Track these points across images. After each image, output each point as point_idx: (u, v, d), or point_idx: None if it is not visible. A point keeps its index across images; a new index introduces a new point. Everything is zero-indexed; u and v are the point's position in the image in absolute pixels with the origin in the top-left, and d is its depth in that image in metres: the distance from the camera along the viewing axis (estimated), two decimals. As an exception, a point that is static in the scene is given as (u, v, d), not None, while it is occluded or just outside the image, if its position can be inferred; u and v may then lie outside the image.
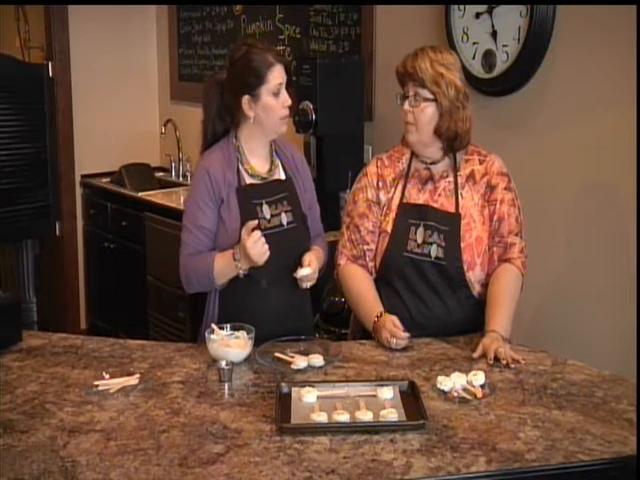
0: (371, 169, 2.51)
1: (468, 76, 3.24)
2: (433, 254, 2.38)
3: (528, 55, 3.02)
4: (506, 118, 3.21)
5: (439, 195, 2.42)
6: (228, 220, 2.39)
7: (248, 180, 2.44)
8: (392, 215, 2.44)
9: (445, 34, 3.30)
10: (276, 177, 2.49)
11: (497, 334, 2.22)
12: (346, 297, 2.52)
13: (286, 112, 2.39)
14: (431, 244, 2.38)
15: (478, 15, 3.18)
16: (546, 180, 3.07)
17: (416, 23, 3.51)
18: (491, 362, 2.15)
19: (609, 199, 2.89)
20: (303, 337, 2.35)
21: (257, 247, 2.25)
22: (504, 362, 2.14)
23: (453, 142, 2.38)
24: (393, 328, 2.26)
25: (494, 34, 3.13)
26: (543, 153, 3.08)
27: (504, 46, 3.10)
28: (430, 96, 2.33)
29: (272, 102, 2.36)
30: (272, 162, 2.50)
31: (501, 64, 3.13)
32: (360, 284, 2.44)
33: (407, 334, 2.26)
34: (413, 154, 2.47)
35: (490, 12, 3.14)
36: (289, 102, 2.39)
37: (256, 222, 2.30)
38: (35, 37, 5.21)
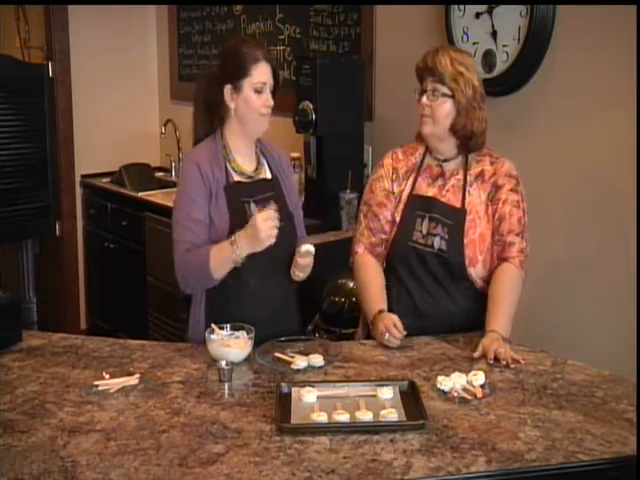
0: (387, 161, 2.55)
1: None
2: (436, 246, 2.41)
3: (528, 55, 3.02)
4: (506, 118, 3.20)
5: (447, 190, 2.45)
6: (217, 218, 2.38)
7: (236, 178, 2.44)
8: (401, 206, 2.47)
9: (445, 34, 3.30)
10: (262, 176, 2.50)
11: (497, 334, 2.23)
12: (356, 285, 2.57)
13: (266, 111, 2.40)
14: (435, 236, 2.41)
15: (478, 15, 3.18)
16: (546, 180, 3.07)
17: (416, 23, 3.50)
18: (491, 362, 2.15)
19: (609, 199, 2.89)
20: (303, 337, 2.35)
21: (267, 224, 2.22)
22: (504, 362, 2.14)
23: (469, 141, 2.41)
24: (390, 325, 2.27)
25: (494, 34, 3.13)
26: (543, 153, 3.08)
27: (504, 46, 3.10)
28: (448, 92, 2.36)
29: (253, 97, 2.38)
30: (258, 161, 2.50)
31: (501, 64, 3.13)
32: (371, 277, 2.47)
33: (402, 334, 2.27)
34: (427, 151, 2.50)
35: (490, 12, 3.14)
36: (271, 103, 2.40)
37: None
38: (35, 37, 5.21)
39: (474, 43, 3.22)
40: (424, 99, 2.40)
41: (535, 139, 3.10)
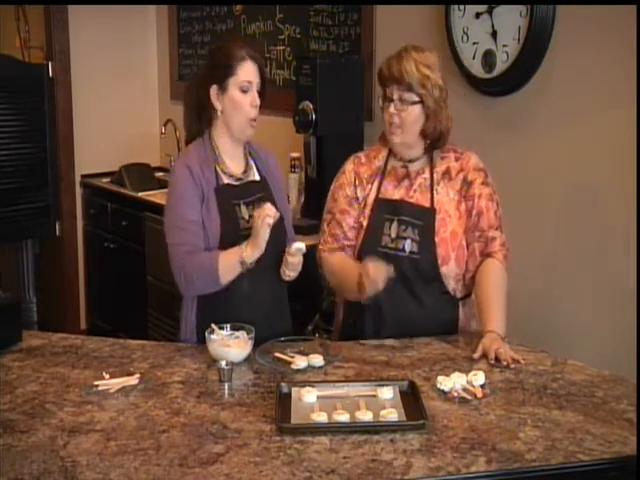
0: (348, 167, 2.53)
1: (468, 76, 3.25)
2: (407, 249, 2.39)
3: (528, 55, 3.01)
4: (506, 118, 3.20)
5: (414, 191, 2.43)
6: (208, 221, 2.37)
7: (225, 180, 2.43)
8: (368, 211, 2.45)
9: (445, 34, 3.29)
10: (251, 178, 2.49)
11: (496, 334, 2.23)
12: (329, 277, 2.51)
13: (254, 113, 2.39)
14: (405, 239, 2.39)
15: (478, 15, 3.18)
16: (546, 180, 3.07)
17: (416, 23, 3.50)
18: (492, 362, 2.15)
19: (609, 199, 2.89)
20: (303, 337, 2.35)
21: (262, 214, 2.24)
22: (504, 363, 2.14)
23: (437, 142, 2.41)
24: (372, 270, 2.23)
25: (494, 34, 3.13)
26: (543, 153, 3.08)
27: (504, 46, 3.10)
28: (416, 99, 2.33)
29: (239, 97, 2.37)
30: (247, 163, 2.50)
31: (501, 64, 3.12)
32: (339, 258, 2.46)
33: (388, 270, 2.24)
34: (390, 153, 2.48)
35: (490, 12, 3.13)
36: (257, 102, 2.39)
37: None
38: (35, 37, 5.21)
39: (474, 43, 3.21)
40: (392, 109, 2.36)
41: (535, 139, 3.10)
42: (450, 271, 2.40)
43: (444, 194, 2.42)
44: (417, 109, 2.34)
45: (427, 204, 2.41)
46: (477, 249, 2.41)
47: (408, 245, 2.39)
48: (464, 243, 2.42)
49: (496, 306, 2.32)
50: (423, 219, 2.39)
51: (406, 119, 2.35)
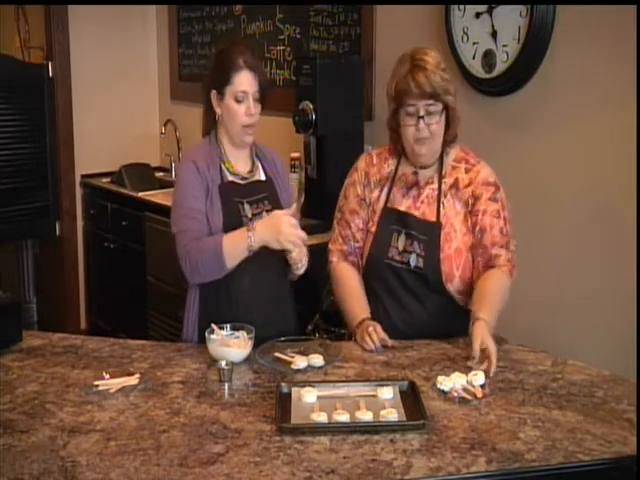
0: (360, 164, 2.52)
1: (468, 76, 3.25)
2: (412, 263, 2.37)
3: (528, 55, 3.01)
4: (506, 118, 3.20)
5: (422, 202, 2.40)
6: (210, 216, 2.38)
7: (230, 178, 2.44)
8: (376, 218, 2.44)
9: (445, 34, 3.30)
10: (257, 178, 2.50)
11: (484, 322, 2.15)
12: (335, 295, 2.52)
13: (249, 121, 2.39)
14: (411, 253, 2.37)
15: (478, 15, 3.18)
16: (546, 180, 3.07)
17: (416, 23, 3.50)
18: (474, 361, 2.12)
19: (609, 199, 2.89)
20: (303, 337, 2.35)
21: (292, 231, 2.23)
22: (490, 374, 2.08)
23: (452, 141, 2.39)
24: (372, 330, 2.27)
25: (494, 34, 3.13)
26: (543, 153, 3.08)
27: (504, 46, 3.10)
28: (441, 107, 2.29)
29: (234, 107, 2.38)
30: (253, 163, 2.51)
31: (501, 64, 3.12)
32: (349, 283, 2.45)
33: (381, 338, 2.27)
34: (401, 159, 2.45)
35: (490, 12, 3.13)
36: (252, 112, 2.38)
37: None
38: (35, 37, 5.21)
39: (474, 43, 3.22)
40: (421, 124, 2.28)
41: (535, 139, 3.10)
42: (455, 287, 2.38)
43: (450, 208, 2.38)
44: (443, 117, 2.30)
45: (433, 217, 2.37)
46: (481, 264, 2.36)
47: (413, 260, 2.37)
48: (470, 259, 2.38)
49: (491, 299, 2.25)
50: (428, 233, 2.36)
51: (436, 131, 2.30)
